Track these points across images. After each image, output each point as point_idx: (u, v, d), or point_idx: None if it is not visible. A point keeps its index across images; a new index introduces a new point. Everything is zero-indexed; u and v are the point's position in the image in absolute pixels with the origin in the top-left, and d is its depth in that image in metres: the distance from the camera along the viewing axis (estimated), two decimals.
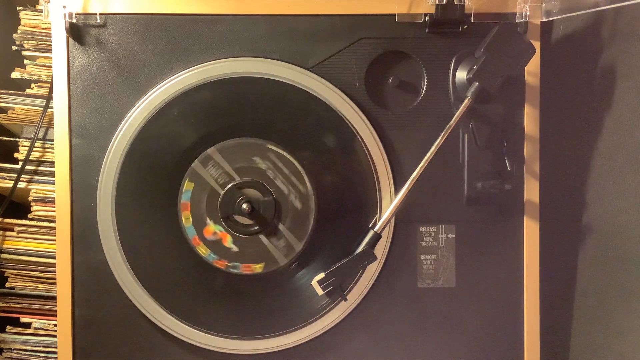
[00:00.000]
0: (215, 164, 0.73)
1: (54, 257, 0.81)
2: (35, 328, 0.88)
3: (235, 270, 0.74)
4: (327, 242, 0.76)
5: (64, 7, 0.74)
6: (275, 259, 0.75)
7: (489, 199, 0.77)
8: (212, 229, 0.74)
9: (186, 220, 0.74)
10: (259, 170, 0.74)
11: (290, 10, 0.76)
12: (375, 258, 0.72)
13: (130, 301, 0.76)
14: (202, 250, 0.74)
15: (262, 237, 0.74)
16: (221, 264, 0.74)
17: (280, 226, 0.74)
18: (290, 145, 0.75)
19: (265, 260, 0.75)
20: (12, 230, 0.89)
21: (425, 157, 0.72)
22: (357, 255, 0.71)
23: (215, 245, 0.74)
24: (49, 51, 0.83)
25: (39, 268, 0.88)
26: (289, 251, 0.75)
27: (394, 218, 0.77)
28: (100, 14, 0.75)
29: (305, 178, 0.74)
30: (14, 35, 0.89)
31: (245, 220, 0.74)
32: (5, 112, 0.89)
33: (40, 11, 0.86)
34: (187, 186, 0.74)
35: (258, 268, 0.74)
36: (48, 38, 0.87)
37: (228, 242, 0.74)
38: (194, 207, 0.74)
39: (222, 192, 0.73)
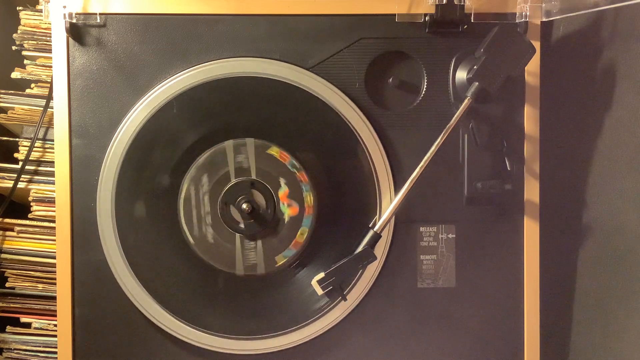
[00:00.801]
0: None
1: (54, 257, 0.81)
2: (35, 328, 0.88)
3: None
4: (327, 242, 0.76)
5: (64, 7, 0.74)
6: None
7: (489, 199, 0.77)
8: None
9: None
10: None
11: (290, 10, 0.76)
12: (375, 258, 0.72)
13: (130, 301, 0.76)
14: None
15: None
16: None
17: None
18: (291, 146, 0.75)
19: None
20: (12, 230, 0.89)
21: (425, 157, 0.72)
22: (357, 255, 0.71)
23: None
24: (49, 51, 0.83)
25: (39, 268, 0.88)
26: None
27: (394, 218, 0.77)
28: (100, 14, 0.75)
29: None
30: (14, 35, 0.89)
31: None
32: (5, 112, 0.89)
33: (40, 11, 0.86)
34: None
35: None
36: (48, 38, 0.87)
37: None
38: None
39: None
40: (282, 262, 0.75)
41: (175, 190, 0.74)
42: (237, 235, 0.74)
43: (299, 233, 0.74)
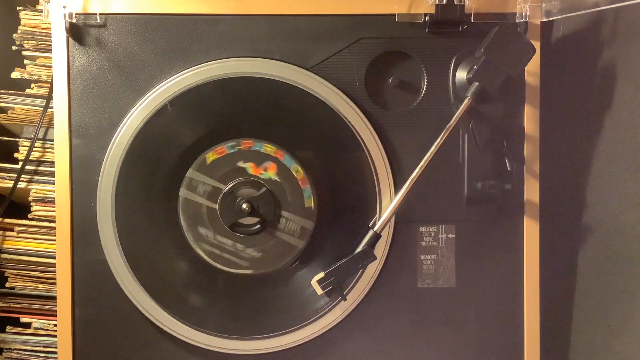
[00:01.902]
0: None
1: (54, 257, 0.81)
2: (35, 328, 0.88)
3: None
4: (326, 241, 0.76)
5: (64, 7, 0.74)
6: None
7: (489, 199, 0.77)
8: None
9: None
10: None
11: (290, 10, 0.76)
12: (375, 258, 0.72)
13: (130, 301, 0.76)
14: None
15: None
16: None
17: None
18: (290, 145, 0.75)
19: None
20: (12, 230, 0.89)
21: (425, 157, 0.72)
22: (357, 254, 0.71)
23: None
24: (49, 51, 0.83)
25: (39, 268, 0.88)
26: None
27: (394, 218, 0.77)
28: (100, 14, 0.75)
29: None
30: (14, 35, 0.89)
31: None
32: (5, 112, 0.89)
33: (40, 11, 0.86)
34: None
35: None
36: (48, 38, 0.87)
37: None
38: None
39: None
40: (312, 203, 0.74)
41: (175, 190, 0.74)
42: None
43: (293, 172, 0.74)
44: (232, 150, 0.74)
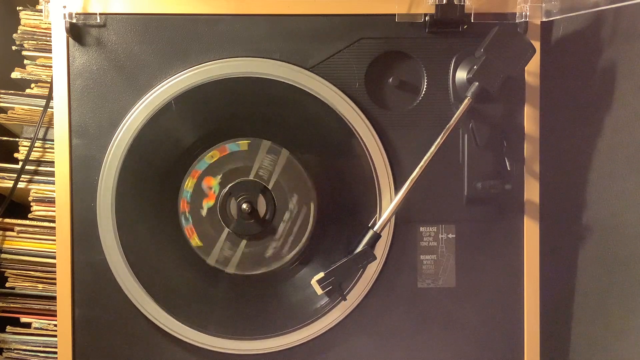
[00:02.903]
0: (273, 160, 0.74)
1: (54, 257, 0.81)
2: (35, 328, 0.88)
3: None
4: (326, 241, 0.76)
5: (64, 7, 0.74)
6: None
7: (489, 199, 0.77)
8: (213, 183, 0.74)
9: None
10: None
11: (290, 10, 0.76)
12: (375, 258, 0.72)
13: (130, 301, 0.76)
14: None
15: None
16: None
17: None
18: (290, 145, 0.75)
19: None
20: (12, 230, 0.89)
21: (425, 157, 0.72)
22: (357, 254, 0.71)
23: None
24: (49, 51, 0.83)
25: (39, 268, 0.88)
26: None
27: (394, 218, 0.77)
28: (100, 14, 0.75)
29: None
30: (14, 35, 0.89)
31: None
32: (5, 112, 0.89)
33: (40, 11, 0.86)
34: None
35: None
36: (48, 38, 0.87)
37: (206, 205, 0.74)
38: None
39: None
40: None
41: (175, 190, 0.74)
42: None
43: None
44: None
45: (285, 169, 0.74)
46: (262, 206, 0.74)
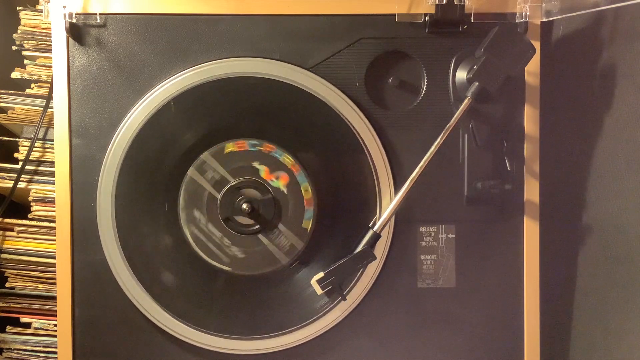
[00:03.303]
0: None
1: (54, 257, 0.81)
2: (35, 328, 0.88)
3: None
4: (326, 241, 0.76)
5: (64, 7, 0.74)
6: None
7: (489, 199, 0.77)
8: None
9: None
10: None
11: (290, 10, 0.76)
12: (375, 257, 0.72)
13: (130, 301, 0.76)
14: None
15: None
16: None
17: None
18: (290, 146, 0.75)
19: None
20: (12, 230, 0.89)
21: (425, 157, 0.72)
22: (357, 254, 0.71)
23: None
24: (49, 51, 0.83)
25: (39, 268, 0.88)
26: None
27: (394, 218, 0.77)
28: (100, 14, 0.75)
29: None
30: (14, 35, 0.89)
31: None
32: (5, 112, 0.89)
33: (40, 11, 0.86)
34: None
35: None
36: (48, 38, 0.87)
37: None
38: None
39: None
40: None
41: (175, 190, 0.74)
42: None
43: (303, 191, 0.74)
44: (252, 149, 0.74)
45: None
46: (262, 206, 0.74)
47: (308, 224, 0.75)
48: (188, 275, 0.77)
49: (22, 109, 0.88)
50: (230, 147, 0.74)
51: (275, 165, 0.74)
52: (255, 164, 0.74)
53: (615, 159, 0.76)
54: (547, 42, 0.82)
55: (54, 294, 0.80)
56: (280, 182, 0.74)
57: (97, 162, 0.75)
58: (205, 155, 0.73)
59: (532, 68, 0.77)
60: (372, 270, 0.77)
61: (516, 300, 0.79)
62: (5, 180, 0.89)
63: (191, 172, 0.74)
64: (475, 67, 0.72)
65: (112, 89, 0.76)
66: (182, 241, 0.75)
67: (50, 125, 0.88)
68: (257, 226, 0.74)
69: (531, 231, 0.78)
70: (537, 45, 0.76)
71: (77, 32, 0.75)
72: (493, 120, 0.76)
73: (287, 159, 0.74)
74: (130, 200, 0.75)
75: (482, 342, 0.79)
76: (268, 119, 0.76)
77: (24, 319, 0.89)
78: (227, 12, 0.76)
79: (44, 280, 0.89)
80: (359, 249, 0.72)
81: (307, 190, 0.74)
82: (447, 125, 0.72)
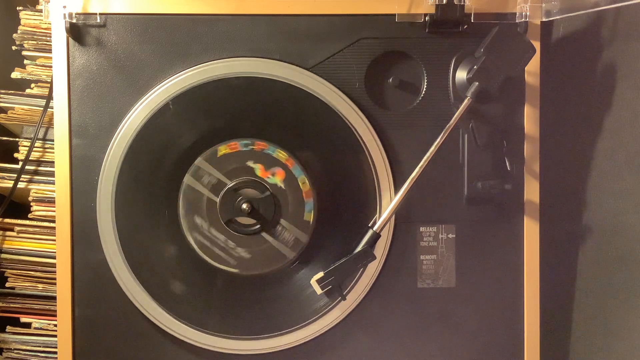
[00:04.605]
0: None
1: (54, 257, 0.81)
2: (35, 328, 0.88)
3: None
4: (326, 241, 0.76)
5: (64, 7, 0.74)
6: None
7: (489, 199, 0.77)
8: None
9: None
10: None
11: (290, 10, 0.76)
12: (374, 257, 0.72)
13: (130, 301, 0.76)
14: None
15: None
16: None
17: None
18: (290, 145, 0.75)
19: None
20: (12, 230, 0.89)
21: (425, 157, 0.72)
22: (356, 254, 0.71)
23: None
24: (49, 51, 0.83)
25: (39, 268, 0.88)
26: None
27: (394, 218, 0.77)
28: (100, 14, 0.75)
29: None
30: (14, 35, 0.89)
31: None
32: (5, 112, 0.89)
33: (40, 11, 0.86)
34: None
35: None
36: (48, 38, 0.87)
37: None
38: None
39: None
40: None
41: (175, 190, 0.74)
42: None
43: (300, 184, 0.74)
44: (245, 149, 0.74)
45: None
46: (262, 204, 0.74)
47: (310, 216, 0.75)
48: (188, 275, 0.77)
49: (22, 109, 0.88)
50: (223, 149, 0.74)
51: (270, 162, 0.74)
52: (250, 163, 0.74)
53: (615, 159, 0.76)
54: (547, 42, 0.82)
55: (54, 294, 0.80)
56: (277, 178, 0.74)
57: (97, 162, 0.75)
58: (199, 161, 0.73)
59: (532, 68, 0.77)
60: (372, 270, 0.77)
61: (516, 300, 0.79)
62: (5, 180, 0.89)
63: (187, 179, 0.74)
64: (475, 67, 0.72)
65: (112, 89, 0.76)
66: (182, 241, 0.75)
67: (50, 125, 0.88)
68: (259, 225, 0.74)
69: (531, 231, 0.78)
70: (537, 45, 0.76)
71: (77, 32, 0.75)
72: (493, 120, 0.76)
73: (281, 154, 0.74)
74: (130, 200, 0.75)
75: (482, 342, 0.79)
76: (268, 119, 0.76)
77: (24, 319, 0.89)
78: (227, 12, 0.76)
79: (44, 280, 0.89)
80: (359, 248, 0.72)
81: (304, 183, 0.74)
82: (447, 125, 0.73)
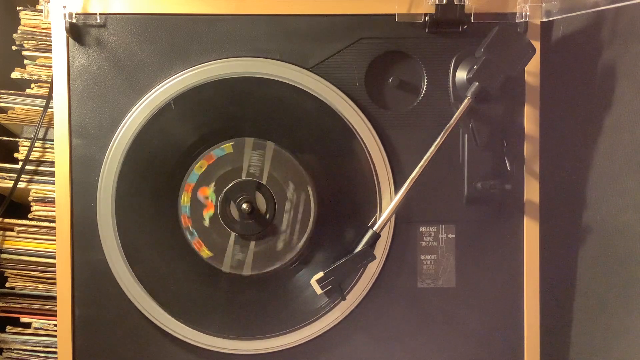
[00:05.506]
0: (261, 155, 0.73)
1: (54, 257, 0.81)
2: (35, 328, 0.88)
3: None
4: (326, 241, 0.76)
5: (64, 7, 0.74)
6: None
7: (489, 199, 0.77)
8: (208, 192, 0.74)
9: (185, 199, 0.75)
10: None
11: (290, 10, 0.76)
12: (374, 257, 0.72)
13: (130, 301, 0.76)
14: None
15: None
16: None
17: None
18: (290, 146, 0.75)
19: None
20: (12, 230, 0.89)
21: (425, 157, 0.72)
22: (356, 254, 0.71)
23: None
24: (49, 51, 0.83)
25: (39, 268, 0.88)
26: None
27: (394, 218, 0.77)
28: (100, 14, 0.75)
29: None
30: (14, 35, 0.89)
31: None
32: (5, 112, 0.89)
33: (40, 11, 0.86)
34: (200, 166, 0.74)
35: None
36: (48, 38, 0.87)
37: (207, 215, 0.74)
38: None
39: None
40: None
41: (176, 190, 0.74)
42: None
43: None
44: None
45: (274, 161, 0.74)
46: (261, 203, 0.74)
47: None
48: (188, 274, 0.77)
49: (22, 109, 0.88)
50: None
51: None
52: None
53: (615, 159, 0.76)
54: (547, 42, 0.82)
55: (54, 294, 0.80)
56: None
57: (97, 162, 0.75)
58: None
59: (532, 68, 0.77)
60: (372, 270, 0.77)
61: (516, 300, 0.79)
62: (5, 180, 0.89)
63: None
64: (475, 67, 0.72)
65: (112, 89, 0.76)
66: (182, 241, 0.75)
67: (50, 125, 0.88)
68: (260, 225, 0.74)
69: (531, 231, 0.78)
70: (537, 45, 0.76)
71: (77, 32, 0.75)
72: (493, 120, 0.76)
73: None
74: (130, 200, 0.75)
75: (482, 342, 0.79)
76: (268, 119, 0.76)
77: (24, 319, 0.89)
78: (227, 12, 0.76)
79: (44, 280, 0.89)
80: (358, 248, 0.72)
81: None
82: (447, 125, 0.72)
